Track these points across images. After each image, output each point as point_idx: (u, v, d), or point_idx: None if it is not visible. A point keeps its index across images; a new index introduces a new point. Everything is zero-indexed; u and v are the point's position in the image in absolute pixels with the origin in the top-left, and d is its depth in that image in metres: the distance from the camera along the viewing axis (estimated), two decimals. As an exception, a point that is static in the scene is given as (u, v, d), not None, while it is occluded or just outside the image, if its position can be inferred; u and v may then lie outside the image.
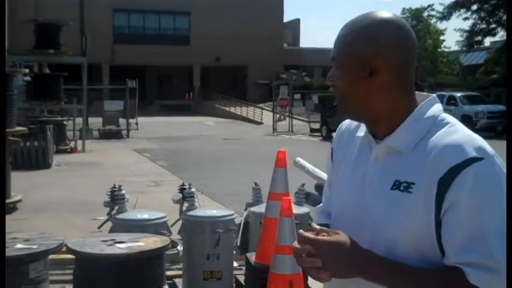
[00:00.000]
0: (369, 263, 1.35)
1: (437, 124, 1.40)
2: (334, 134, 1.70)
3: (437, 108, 1.45)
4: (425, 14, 44.56)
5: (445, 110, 1.47)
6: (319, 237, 1.37)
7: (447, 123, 1.41)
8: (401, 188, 1.37)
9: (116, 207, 5.25)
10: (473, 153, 1.31)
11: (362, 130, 1.54)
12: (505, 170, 1.35)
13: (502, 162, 1.36)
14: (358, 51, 1.43)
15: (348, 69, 1.45)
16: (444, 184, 1.31)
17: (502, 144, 1.39)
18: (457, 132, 1.37)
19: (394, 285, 1.35)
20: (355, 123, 1.58)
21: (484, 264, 1.27)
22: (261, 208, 5.00)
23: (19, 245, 4.02)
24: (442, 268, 1.34)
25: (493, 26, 34.49)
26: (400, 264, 1.35)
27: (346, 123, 1.63)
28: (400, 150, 1.41)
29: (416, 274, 1.34)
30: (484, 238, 1.28)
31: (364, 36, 1.43)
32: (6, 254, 3.46)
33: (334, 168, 1.63)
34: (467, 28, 35.32)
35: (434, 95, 1.49)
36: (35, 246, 4.02)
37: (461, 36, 35.78)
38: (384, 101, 1.44)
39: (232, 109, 40.30)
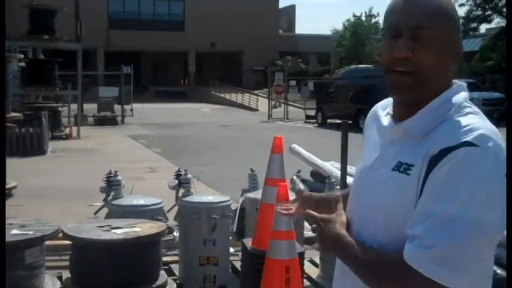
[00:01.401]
0: (335, 244, 1.44)
1: (455, 111, 1.37)
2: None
3: (461, 96, 1.41)
4: (421, 0, 44.42)
5: None
6: (317, 214, 1.53)
7: (463, 110, 1.37)
8: (401, 169, 1.36)
9: (112, 193, 5.25)
10: (469, 139, 1.27)
11: (386, 112, 1.52)
12: (501, 168, 1.28)
13: (501, 160, 1.29)
14: (450, 31, 1.39)
15: (441, 46, 1.37)
16: (433, 163, 1.29)
17: (499, 131, 1.36)
18: (466, 119, 1.33)
19: (351, 267, 1.43)
20: (383, 105, 1.57)
21: (422, 239, 1.25)
22: (257, 194, 5.01)
23: (15, 231, 4.03)
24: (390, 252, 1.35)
25: (489, 12, 34.44)
26: (356, 247, 1.39)
27: (375, 107, 1.61)
28: (415, 134, 1.38)
29: (367, 257, 1.37)
30: (436, 218, 1.25)
31: (454, 15, 1.42)
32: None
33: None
34: (462, 15, 35.20)
35: (462, 82, 1.45)
36: (31, 232, 4.03)
37: (457, 22, 35.67)
38: (443, 83, 1.41)
39: (227, 96, 40.22)
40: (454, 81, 1.44)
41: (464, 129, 1.30)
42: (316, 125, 26.10)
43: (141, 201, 5.15)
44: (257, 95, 38.08)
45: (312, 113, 28.11)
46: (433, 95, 1.39)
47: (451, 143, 1.28)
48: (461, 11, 38.20)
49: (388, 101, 1.56)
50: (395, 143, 1.43)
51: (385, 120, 1.50)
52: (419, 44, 1.35)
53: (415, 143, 1.37)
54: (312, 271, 5.18)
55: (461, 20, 30.52)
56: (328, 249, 1.49)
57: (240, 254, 4.85)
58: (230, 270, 5.08)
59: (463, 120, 1.33)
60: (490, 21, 35.20)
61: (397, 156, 1.39)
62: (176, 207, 5.39)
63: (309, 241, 5.44)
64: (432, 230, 1.25)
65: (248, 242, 4.24)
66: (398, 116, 1.45)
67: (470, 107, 1.39)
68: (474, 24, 35.53)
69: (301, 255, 3.96)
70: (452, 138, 1.29)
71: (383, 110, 1.56)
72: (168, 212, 5.39)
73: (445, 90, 1.40)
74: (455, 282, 1.25)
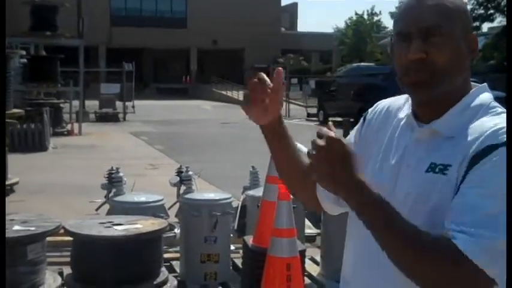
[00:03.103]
0: (356, 189, 1.26)
1: (485, 111, 1.37)
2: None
3: (488, 96, 1.41)
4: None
5: None
6: (327, 132, 1.36)
7: (494, 110, 1.38)
8: (437, 170, 1.33)
9: (114, 190, 5.26)
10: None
11: (403, 112, 1.48)
12: None
13: None
14: (462, 27, 1.39)
15: (455, 44, 1.37)
16: (477, 159, 1.27)
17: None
18: (502, 117, 1.34)
19: (383, 232, 1.27)
20: (394, 104, 1.53)
21: (472, 231, 1.22)
22: (258, 191, 5.02)
23: (17, 227, 4.03)
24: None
25: (491, 11, 34.38)
26: (394, 212, 1.26)
27: (383, 103, 1.57)
28: (446, 135, 1.36)
29: (410, 230, 1.25)
30: (486, 212, 1.22)
31: (465, 12, 1.42)
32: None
33: (360, 147, 1.52)
34: (465, 13, 35.13)
35: (485, 83, 1.46)
36: (33, 228, 4.03)
37: (459, 21, 35.64)
38: (460, 81, 1.40)
39: (229, 93, 40.19)
40: (474, 80, 1.46)
41: (503, 127, 1.29)
42: (317, 123, 26.07)
43: (143, 198, 5.16)
44: (259, 92, 37.99)
45: (314, 111, 28.10)
46: (455, 93, 1.39)
47: (494, 141, 1.27)
48: (464, 10, 38.12)
49: (400, 100, 1.53)
50: (422, 144, 1.40)
51: (405, 120, 1.47)
52: (432, 44, 1.35)
53: (446, 143, 1.35)
54: (313, 269, 5.18)
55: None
56: (337, 188, 1.28)
57: (241, 251, 4.86)
58: (231, 267, 5.09)
59: (498, 119, 1.33)
60: (492, 20, 35.13)
61: (427, 157, 1.36)
62: (177, 204, 5.40)
63: (310, 239, 5.45)
64: (483, 224, 1.22)
65: (249, 240, 4.25)
66: (422, 116, 1.42)
67: (500, 107, 1.39)
68: (476, 23, 35.46)
69: (302, 253, 3.97)
70: (494, 137, 1.28)
71: (396, 109, 1.52)
72: (169, 209, 5.40)
73: (467, 89, 1.41)
74: (498, 276, 1.23)
